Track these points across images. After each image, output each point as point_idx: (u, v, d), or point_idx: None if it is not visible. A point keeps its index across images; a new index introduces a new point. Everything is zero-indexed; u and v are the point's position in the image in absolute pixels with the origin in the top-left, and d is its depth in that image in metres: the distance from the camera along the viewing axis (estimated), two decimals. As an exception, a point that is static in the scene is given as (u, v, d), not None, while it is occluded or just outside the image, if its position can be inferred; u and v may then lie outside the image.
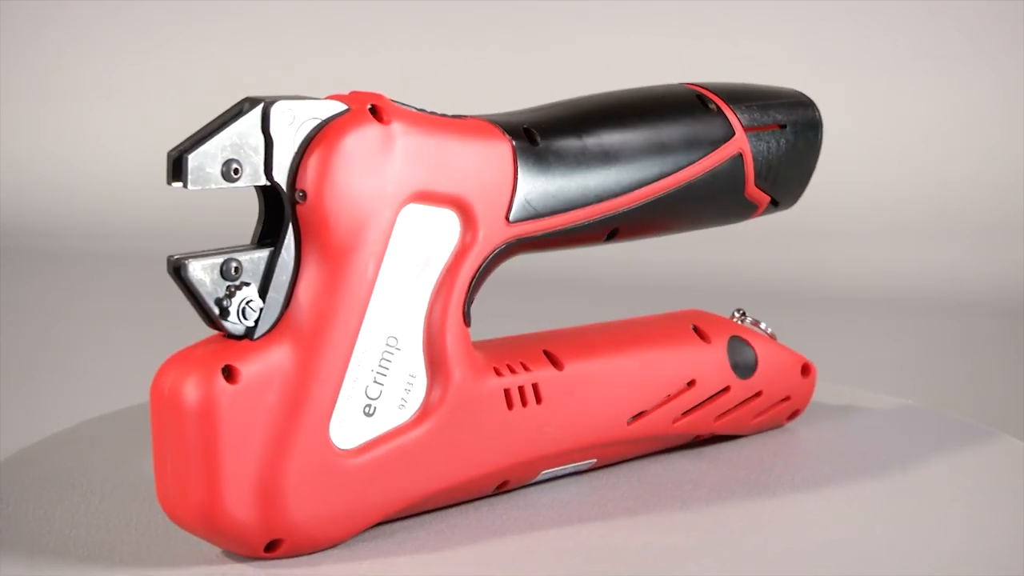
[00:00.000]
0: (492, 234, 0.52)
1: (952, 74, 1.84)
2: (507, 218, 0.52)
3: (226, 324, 0.47)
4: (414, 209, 0.50)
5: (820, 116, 0.61)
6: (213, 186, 0.46)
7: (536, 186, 0.53)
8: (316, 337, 0.48)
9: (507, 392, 0.52)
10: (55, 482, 0.55)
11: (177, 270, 0.46)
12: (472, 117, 0.53)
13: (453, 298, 0.51)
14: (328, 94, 0.50)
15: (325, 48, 2.03)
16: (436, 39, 2.00)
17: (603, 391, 0.55)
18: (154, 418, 0.47)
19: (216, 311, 0.47)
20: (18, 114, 2.08)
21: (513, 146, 0.52)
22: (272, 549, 0.48)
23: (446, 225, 0.51)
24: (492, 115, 0.53)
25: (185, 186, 0.46)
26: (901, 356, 1.41)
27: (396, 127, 0.49)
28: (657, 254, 1.46)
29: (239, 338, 0.47)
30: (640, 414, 0.56)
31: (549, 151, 0.53)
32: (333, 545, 0.49)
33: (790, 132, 0.59)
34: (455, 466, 0.51)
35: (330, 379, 0.48)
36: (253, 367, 0.46)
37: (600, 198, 0.54)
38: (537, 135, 0.53)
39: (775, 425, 0.62)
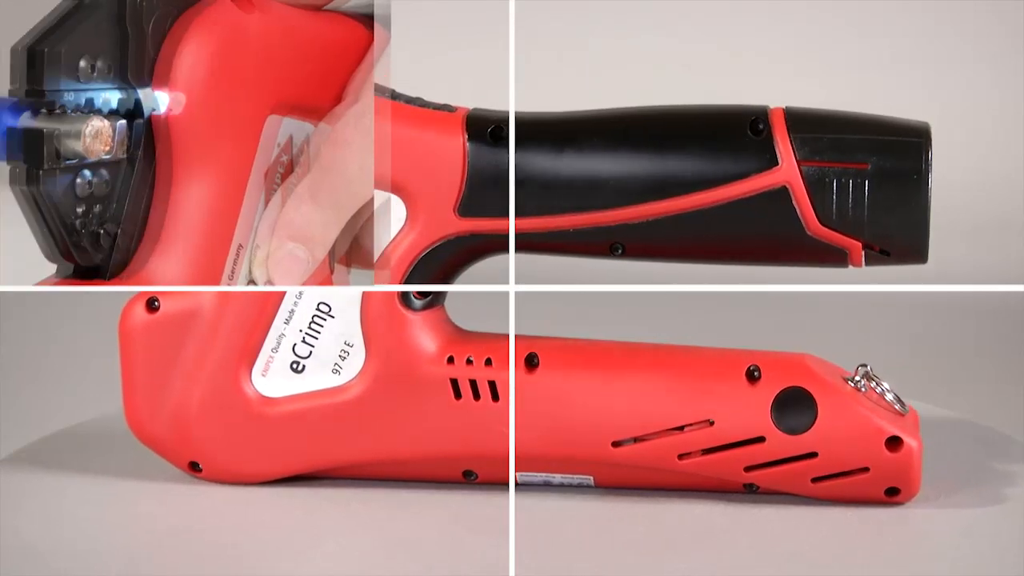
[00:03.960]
0: (436, 224, 0.53)
1: (952, 74, 1.84)
2: (456, 211, 0.53)
3: None
4: None
5: (927, 160, 0.54)
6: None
7: (490, 184, 0.53)
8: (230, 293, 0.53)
9: (456, 382, 0.53)
10: (55, 482, 0.56)
11: None
12: (460, 109, 0.54)
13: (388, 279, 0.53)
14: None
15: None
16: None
17: (577, 406, 0.54)
18: None
19: None
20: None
21: (465, 141, 0.52)
22: (197, 471, 0.55)
23: (394, 210, 0.53)
24: (479, 109, 0.54)
25: None
26: (900, 356, 1.41)
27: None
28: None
29: None
30: (634, 440, 0.54)
31: (510, 153, 0.53)
32: (256, 482, 0.54)
33: (876, 173, 0.53)
34: (391, 441, 0.54)
35: (245, 330, 0.53)
36: (173, 303, 0.54)
37: (577, 208, 0.53)
38: (504, 135, 0.53)
39: (866, 499, 0.54)
